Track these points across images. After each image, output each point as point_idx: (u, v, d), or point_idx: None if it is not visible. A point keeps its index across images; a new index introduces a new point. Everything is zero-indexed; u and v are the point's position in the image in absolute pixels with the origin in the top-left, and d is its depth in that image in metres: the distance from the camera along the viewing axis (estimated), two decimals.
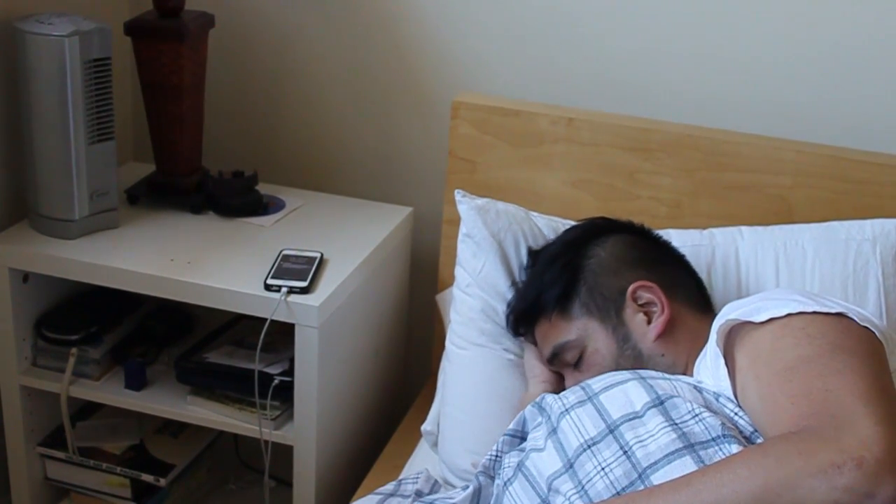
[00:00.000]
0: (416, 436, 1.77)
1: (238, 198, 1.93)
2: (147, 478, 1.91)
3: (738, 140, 1.75)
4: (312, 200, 2.01)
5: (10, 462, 1.93)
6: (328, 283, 1.72)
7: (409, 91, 2.04)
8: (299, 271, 1.72)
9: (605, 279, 1.49)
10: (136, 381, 1.85)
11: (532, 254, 1.61)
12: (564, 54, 1.93)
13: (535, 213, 1.68)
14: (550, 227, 1.66)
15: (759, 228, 1.66)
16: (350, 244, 1.85)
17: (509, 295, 1.61)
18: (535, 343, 1.56)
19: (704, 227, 1.70)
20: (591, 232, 1.56)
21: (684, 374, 1.41)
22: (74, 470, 1.94)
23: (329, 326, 1.71)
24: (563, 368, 1.50)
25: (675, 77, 1.89)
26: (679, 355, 1.43)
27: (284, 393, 1.74)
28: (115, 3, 2.04)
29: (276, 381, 1.73)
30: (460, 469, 1.58)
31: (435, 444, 1.68)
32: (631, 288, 1.46)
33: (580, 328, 1.46)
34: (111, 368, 1.88)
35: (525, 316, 1.55)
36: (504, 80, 1.97)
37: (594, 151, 1.80)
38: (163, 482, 1.91)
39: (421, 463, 1.69)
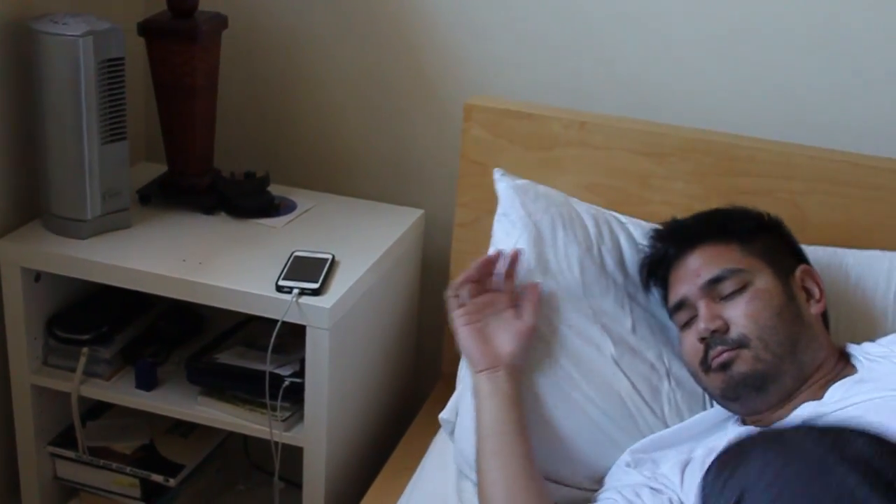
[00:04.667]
0: (427, 437, 1.76)
1: (250, 199, 1.93)
2: (157, 478, 1.91)
3: (750, 145, 1.75)
4: (324, 202, 2.01)
5: (20, 461, 1.93)
6: (339, 285, 1.72)
7: (421, 93, 2.04)
8: (311, 273, 1.72)
9: (789, 245, 1.55)
10: (147, 381, 1.85)
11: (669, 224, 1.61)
12: (577, 58, 1.93)
13: (574, 199, 1.67)
14: (590, 213, 1.66)
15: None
16: (361, 246, 1.85)
17: (537, 276, 1.57)
18: (662, 285, 1.56)
19: (724, 208, 1.68)
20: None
21: (811, 376, 1.43)
22: (84, 469, 1.95)
23: (340, 328, 1.71)
24: (705, 298, 1.47)
25: (689, 82, 1.89)
26: (825, 348, 1.46)
27: (295, 394, 1.74)
28: (129, 4, 2.04)
29: (286, 383, 1.73)
30: (472, 459, 1.57)
31: (452, 433, 1.66)
32: (804, 266, 1.52)
33: (754, 264, 1.47)
34: (122, 368, 1.89)
35: (697, 230, 1.54)
36: (517, 84, 1.97)
37: (606, 155, 1.80)
38: (172, 482, 1.91)
39: (433, 464, 1.69)
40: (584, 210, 1.66)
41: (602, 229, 1.66)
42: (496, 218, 1.66)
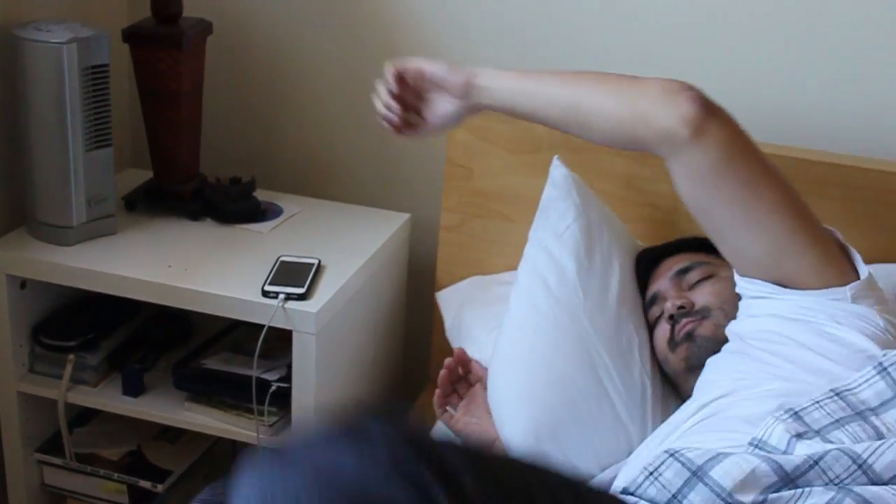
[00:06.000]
0: None
1: (236, 204, 1.93)
2: (144, 484, 1.91)
3: None
4: (310, 207, 2.02)
5: (7, 468, 1.93)
6: (326, 290, 1.72)
7: None
8: (297, 278, 1.72)
9: None
10: (134, 388, 1.85)
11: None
12: (562, 61, 1.93)
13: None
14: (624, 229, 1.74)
15: None
16: (347, 250, 1.85)
17: (584, 263, 1.62)
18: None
19: (701, 235, 1.70)
20: None
21: None
22: (72, 476, 1.94)
23: (326, 333, 1.71)
24: (676, 287, 1.58)
25: None
26: None
27: (282, 399, 1.74)
28: (113, 10, 2.05)
29: (273, 388, 1.73)
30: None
31: None
32: None
33: (720, 262, 1.55)
34: (109, 375, 1.88)
35: (668, 247, 1.66)
36: None
37: (591, 158, 1.80)
38: (160, 488, 1.91)
39: None
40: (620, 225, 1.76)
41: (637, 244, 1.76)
42: (547, 201, 1.69)
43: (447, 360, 1.69)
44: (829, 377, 1.28)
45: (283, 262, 1.76)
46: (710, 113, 1.35)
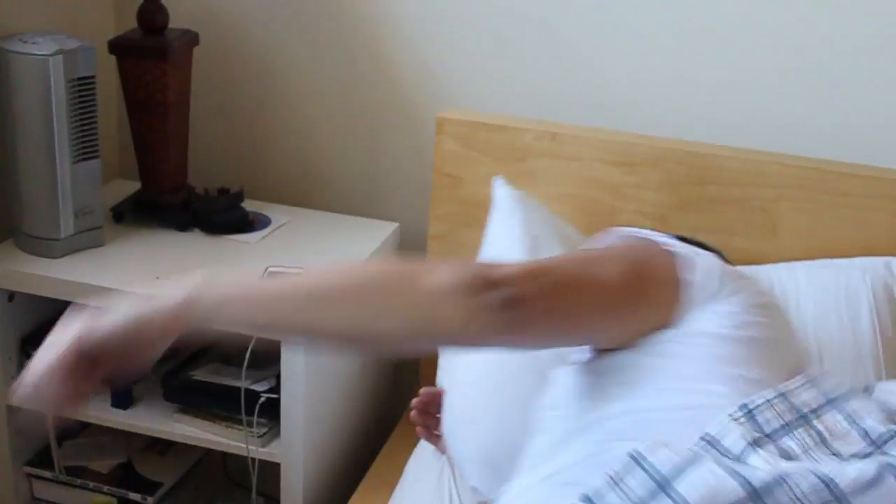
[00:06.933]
0: (404, 452, 1.76)
1: (224, 215, 1.93)
2: (134, 496, 1.91)
3: (721, 154, 1.76)
4: (298, 217, 2.02)
5: None
6: None
7: (394, 107, 2.05)
8: None
9: None
10: (123, 400, 1.84)
11: None
12: (549, 70, 1.94)
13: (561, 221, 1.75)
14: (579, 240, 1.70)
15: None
16: (336, 260, 1.85)
17: None
18: None
19: (686, 235, 1.70)
20: None
21: None
22: (61, 489, 1.94)
23: None
24: None
25: (659, 92, 1.90)
26: None
27: (271, 410, 1.74)
28: (99, 22, 2.04)
29: (262, 399, 1.73)
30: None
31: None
32: None
33: None
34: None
35: None
36: (488, 96, 1.98)
37: (578, 166, 1.81)
38: (150, 500, 1.90)
39: (412, 478, 1.69)
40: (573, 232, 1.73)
41: None
42: (492, 224, 1.70)
43: (413, 401, 1.63)
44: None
45: (271, 273, 1.76)
46: (506, 308, 1.08)
